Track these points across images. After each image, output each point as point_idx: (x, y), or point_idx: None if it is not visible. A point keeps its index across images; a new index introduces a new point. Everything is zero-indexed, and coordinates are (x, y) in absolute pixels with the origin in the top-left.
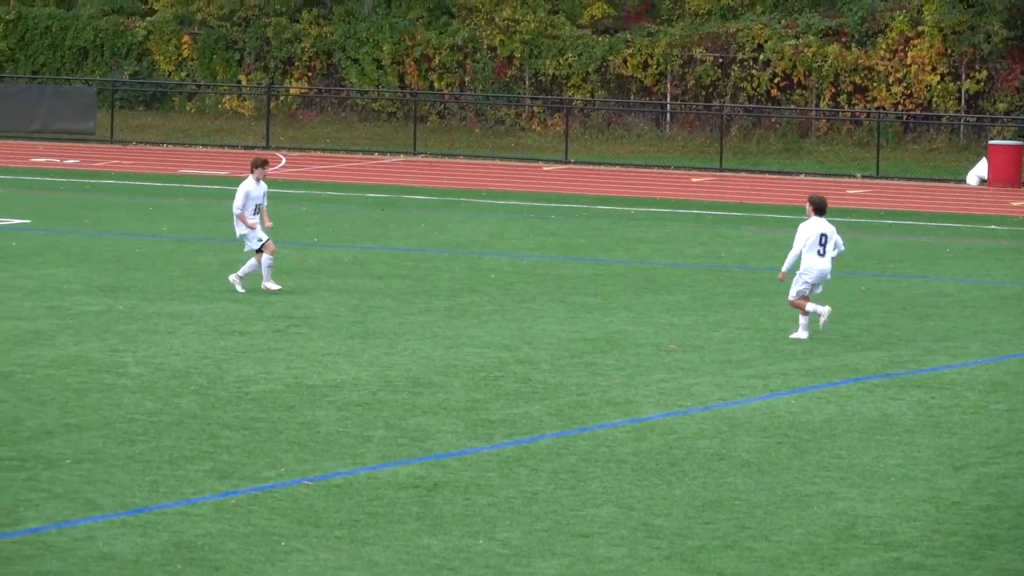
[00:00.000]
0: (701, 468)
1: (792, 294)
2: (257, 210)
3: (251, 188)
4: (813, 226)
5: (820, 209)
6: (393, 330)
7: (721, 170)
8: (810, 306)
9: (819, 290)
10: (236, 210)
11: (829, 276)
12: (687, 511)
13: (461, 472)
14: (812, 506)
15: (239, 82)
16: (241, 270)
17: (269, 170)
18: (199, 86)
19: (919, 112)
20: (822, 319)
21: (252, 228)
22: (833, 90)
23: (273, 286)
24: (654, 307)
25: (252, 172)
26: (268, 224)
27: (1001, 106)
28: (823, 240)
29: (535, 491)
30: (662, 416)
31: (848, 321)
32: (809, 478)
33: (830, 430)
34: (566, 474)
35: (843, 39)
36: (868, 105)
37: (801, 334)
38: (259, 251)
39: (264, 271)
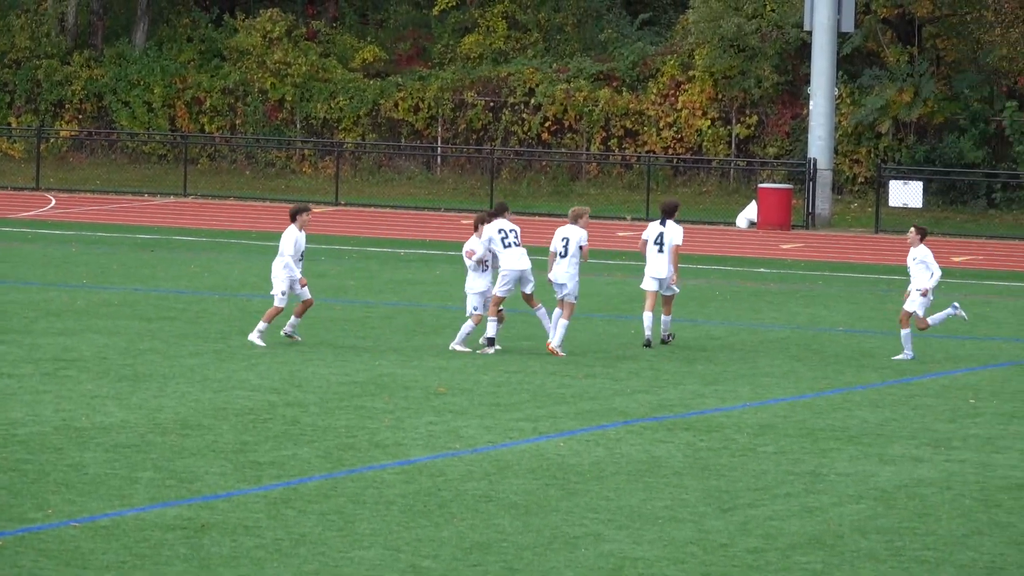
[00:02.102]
0: (469, 510)
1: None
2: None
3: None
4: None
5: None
6: (163, 373)
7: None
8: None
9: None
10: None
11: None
12: (455, 553)
13: (229, 513)
14: (580, 548)
15: (9, 124)
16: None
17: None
18: None
19: (689, 156)
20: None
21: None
22: (604, 134)
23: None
24: (423, 350)
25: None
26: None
27: (771, 150)
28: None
29: (303, 533)
30: (430, 458)
31: (617, 365)
32: (577, 520)
33: (598, 472)
34: (334, 515)
35: (614, 84)
36: (638, 149)
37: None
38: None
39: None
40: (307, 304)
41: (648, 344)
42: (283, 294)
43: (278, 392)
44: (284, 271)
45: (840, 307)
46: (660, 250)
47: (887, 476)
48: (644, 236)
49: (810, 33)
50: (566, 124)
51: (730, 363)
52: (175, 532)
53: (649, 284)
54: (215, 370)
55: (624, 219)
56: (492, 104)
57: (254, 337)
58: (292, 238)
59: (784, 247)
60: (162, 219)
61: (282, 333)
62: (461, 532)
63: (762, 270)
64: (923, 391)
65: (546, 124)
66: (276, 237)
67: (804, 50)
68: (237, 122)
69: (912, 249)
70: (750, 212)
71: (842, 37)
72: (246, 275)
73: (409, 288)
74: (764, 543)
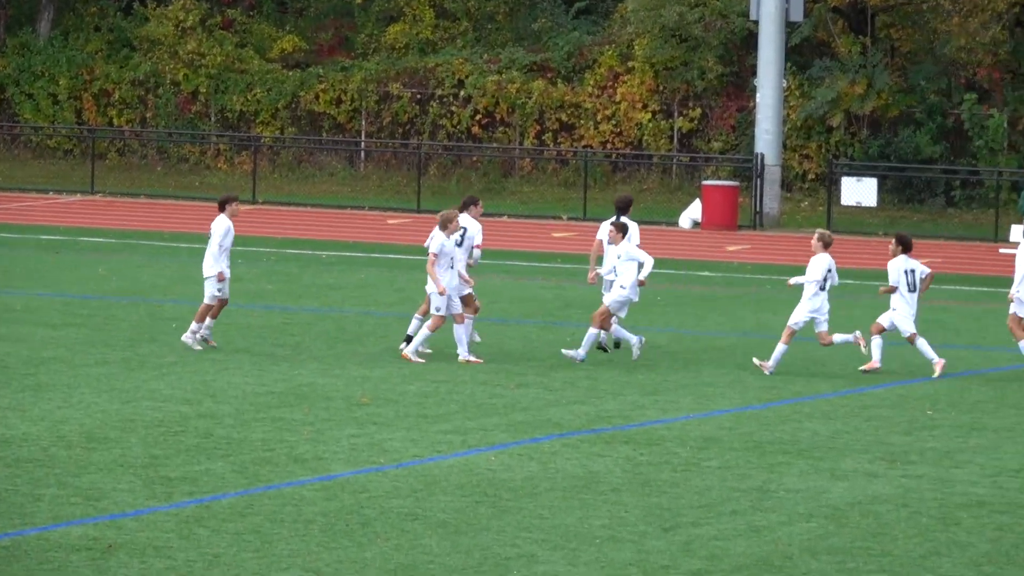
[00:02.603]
0: (394, 529)
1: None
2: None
3: (445, 241)
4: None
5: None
6: (67, 383)
7: (419, 211)
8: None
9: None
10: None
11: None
12: (379, 575)
13: (138, 533)
14: (512, 570)
15: None
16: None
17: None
18: None
19: (629, 151)
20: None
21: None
22: (538, 128)
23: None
24: (345, 358)
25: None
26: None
27: (716, 145)
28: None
29: (217, 554)
30: (353, 473)
31: (551, 374)
32: (509, 540)
33: (532, 488)
34: (250, 535)
35: (549, 75)
36: (575, 143)
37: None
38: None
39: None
40: (223, 303)
41: (617, 346)
42: (219, 291)
43: (190, 403)
44: (216, 264)
45: (789, 312)
46: None
47: (839, 492)
48: (599, 236)
49: (756, 22)
50: (498, 117)
51: (672, 372)
52: (80, 553)
53: (605, 286)
54: (123, 379)
55: (560, 218)
56: (419, 96)
57: (187, 338)
58: (224, 227)
59: (730, 248)
60: (68, 218)
61: (199, 337)
62: (385, 553)
63: (707, 273)
64: (877, 402)
65: (476, 117)
66: (189, 237)
67: (750, 40)
68: (148, 115)
69: None
70: (694, 211)
71: (790, 26)
72: (157, 278)
73: (331, 293)
74: (708, 564)
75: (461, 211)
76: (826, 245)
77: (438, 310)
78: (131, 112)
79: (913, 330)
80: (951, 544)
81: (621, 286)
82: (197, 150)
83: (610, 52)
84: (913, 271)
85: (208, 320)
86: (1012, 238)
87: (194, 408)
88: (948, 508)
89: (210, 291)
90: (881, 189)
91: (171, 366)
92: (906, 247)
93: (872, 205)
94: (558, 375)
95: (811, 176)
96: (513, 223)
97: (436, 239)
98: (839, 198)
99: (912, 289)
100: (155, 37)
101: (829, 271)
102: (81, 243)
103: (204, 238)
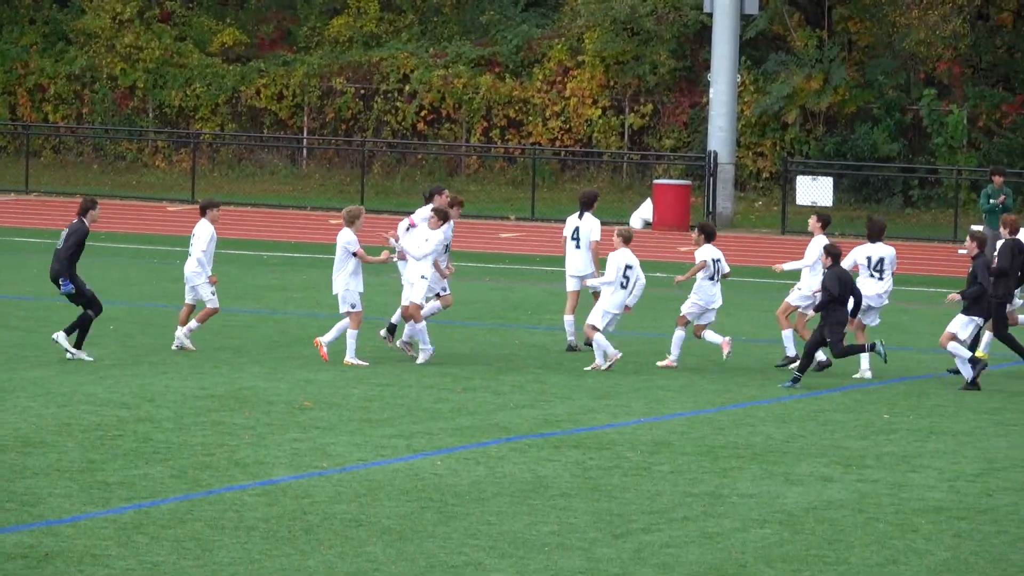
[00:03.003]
0: (338, 535)
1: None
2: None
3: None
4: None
5: (711, 235)
6: (1, 386)
7: None
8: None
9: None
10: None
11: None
12: None
13: (75, 540)
14: None
15: None
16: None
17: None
18: None
19: (578, 148)
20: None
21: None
22: (485, 124)
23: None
24: (288, 361)
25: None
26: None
27: (667, 142)
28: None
29: (156, 561)
30: (295, 478)
31: (499, 377)
32: (456, 547)
33: (479, 494)
34: (190, 542)
35: (496, 69)
36: (523, 141)
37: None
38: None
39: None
40: (191, 309)
41: (572, 348)
42: (213, 293)
43: (128, 407)
44: (201, 270)
45: (743, 315)
46: (577, 246)
47: (794, 498)
48: (565, 233)
49: (710, 15)
50: (444, 113)
51: (623, 375)
52: (15, 561)
53: (569, 284)
54: (59, 383)
55: (507, 219)
56: (363, 92)
57: (183, 339)
58: (209, 234)
59: (682, 249)
60: (1, 218)
61: (174, 347)
62: (329, 561)
63: (659, 275)
64: (833, 406)
65: (422, 113)
66: (126, 238)
67: (704, 33)
68: (84, 111)
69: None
70: (645, 211)
71: (745, 19)
72: (94, 280)
73: (273, 294)
74: (660, 572)
75: (428, 200)
76: (626, 241)
77: (353, 307)
78: (67, 108)
79: (711, 319)
80: (909, 551)
81: (423, 276)
82: (134, 147)
83: (560, 46)
84: (718, 260)
85: (185, 328)
86: None
87: (132, 412)
88: (905, 514)
89: (207, 293)
90: (837, 188)
91: (108, 369)
92: (709, 236)
93: (828, 205)
94: (506, 378)
95: (765, 175)
96: (459, 223)
97: (349, 237)
98: (794, 197)
99: (715, 278)
100: (91, 30)
101: (630, 267)
102: (15, 243)
103: (141, 238)
